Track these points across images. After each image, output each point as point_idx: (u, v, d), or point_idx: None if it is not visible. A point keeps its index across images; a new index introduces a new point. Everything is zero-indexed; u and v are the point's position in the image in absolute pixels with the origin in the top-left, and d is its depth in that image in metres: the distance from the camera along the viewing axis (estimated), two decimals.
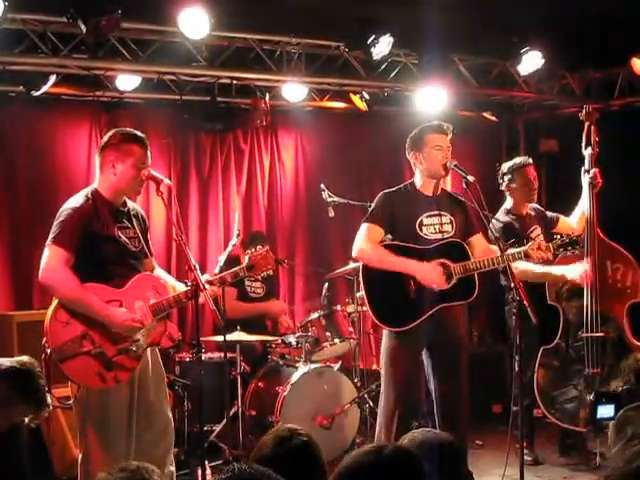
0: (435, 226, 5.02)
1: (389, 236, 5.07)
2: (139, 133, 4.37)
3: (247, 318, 6.70)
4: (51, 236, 4.10)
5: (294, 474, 2.53)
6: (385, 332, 5.07)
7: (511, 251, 4.95)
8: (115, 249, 4.21)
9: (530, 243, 5.03)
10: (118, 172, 4.22)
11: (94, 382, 4.07)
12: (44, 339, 4.06)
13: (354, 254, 5.11)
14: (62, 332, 4.02)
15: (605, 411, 2.53)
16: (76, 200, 4.21)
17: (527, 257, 4.97)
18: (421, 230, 4.99)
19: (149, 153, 4.32)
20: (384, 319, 4.99)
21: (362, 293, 5.11)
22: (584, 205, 5.76)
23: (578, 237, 5.19)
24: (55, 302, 4.08)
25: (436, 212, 5.03)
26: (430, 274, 4.86)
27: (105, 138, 4.33)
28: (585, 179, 5.73)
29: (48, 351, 4.02)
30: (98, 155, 4.32)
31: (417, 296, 4.89)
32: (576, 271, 5.58)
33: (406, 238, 5.00)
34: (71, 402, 4.18)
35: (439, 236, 5.00)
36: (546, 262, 5.33)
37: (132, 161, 4.23)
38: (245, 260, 4.56)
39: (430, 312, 4.87)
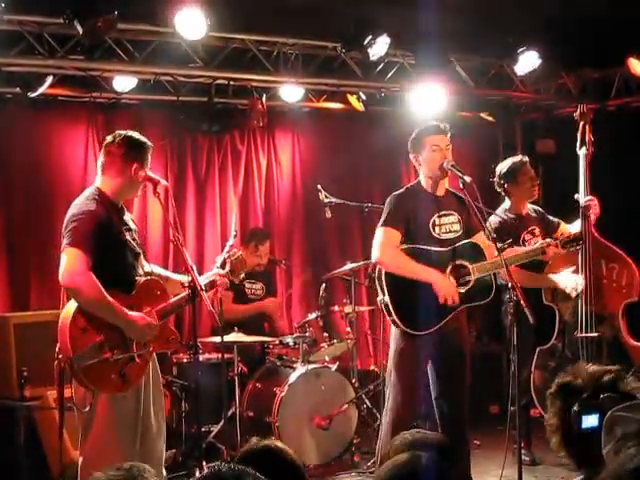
0: (446, 226, 5.06)
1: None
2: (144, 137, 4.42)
3: (244, 319, 6.71)
4: (68, 240, 4.03)
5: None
6: (396, 333, 5.04)
7: (527, 249, 5.00)
8: (126, 253, 4.21)
9: (545, 241, 5.05)
10: (139, 177, 4.24)
11: (110, 389, 4.05)
12: (58, 344, 3.99)
13: (374, 259, 5.07)
14: (81, 339, 3.97)
15: (590, 421, 2.54)
16: (87, 203, 4.15)
17: (544, 254, 5.01)
18: (434, 230, 5.01)
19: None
20: (408, 322, 4.95)
21: (383, 297, 4.99)
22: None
23: (582, 233, 5.20)
24: (72, 307, 4.01)
25: (445, 212, 5.07)
26: (445, 289, 4.87)
27: (117, 140, 4.28)
28: (582, 202, 5.70)
29: (60, 356, 3.97)
30: (109, 158, 4.27)
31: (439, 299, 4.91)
32: (568, 283, 5.58)
33: (420, 239, 5.00)
34: (82, 409, 4.13)
35: (450, 235, 5.04)
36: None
37: (147, 167, 4.30)
38: (227, 266, 4.60)
39: (452, 314, 4.91)
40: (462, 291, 4.94)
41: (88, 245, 4.01)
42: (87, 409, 4.08)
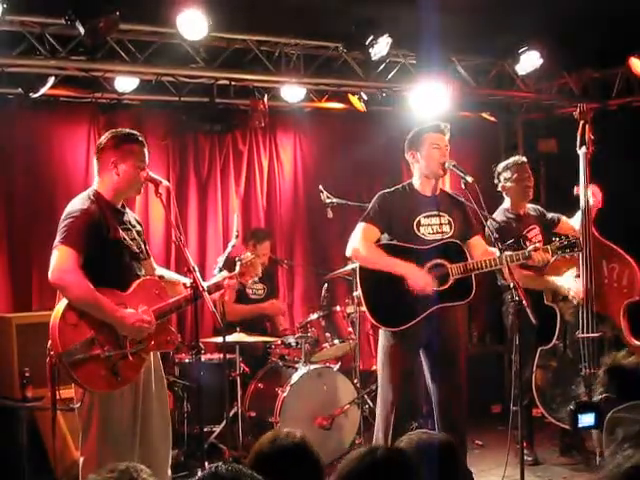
0: (433, 226, 5.01)
1: (385, 235, 5.07)
2: (137, 132, 4.37)
3: (245, 320, 6.72)
4: (60, 237, 4.04)
5: (290, 473, 2.56)
6: (381, 331, 5.05)
7: (510, 253, 4.96)
8: (121, 252, 4.20)
9: (530, 247, 5.04)
10: (120, 172, 4.20)
11: (102, 387, 4.05)
12: (50, 341, 4.00)
13: (348, 253, 5.10)
14: (71, 335, 3.97)
15: (586, 420, 2.56)
16: (81, 202, 4.17)
17: (528, 259, 4.98)
18: (419, 230, 4.98)
19: (147, 151, 4.32)
20: (381, 319, 4.97)
21: (359, 293, 5.08)
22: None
23: (577, 240, 5.20)
24: (63, 304, 4.02)
25: (434, 212, 5.03)
26: (420, 279, 4.84)
27: (103, 139, 4.31)
28: (581, 196, 5.71)
29: (52, 353, 3.96)
30: (97, 157, 4.30)
31: (414, 296, 4.88)
32: (572, 288, 5.60)
33: (403, 238, 4.98)
34: (73, 405, 4.14)
35: (437, 237, 4.99)
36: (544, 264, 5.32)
37: (133, 161, 4.22)
38: (237, 267, 4.58)
39: (426, 313, 4.88)
40: (438, 289, 4.91)
41: (79, 243, 4.03)
42: (78, 405, 4.09)
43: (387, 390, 5.01)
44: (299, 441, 2.64)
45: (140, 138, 4.32)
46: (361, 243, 4.99)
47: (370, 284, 5.01)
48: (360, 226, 5.05)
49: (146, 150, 4.32)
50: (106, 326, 4.05)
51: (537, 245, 5.09)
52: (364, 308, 5.04)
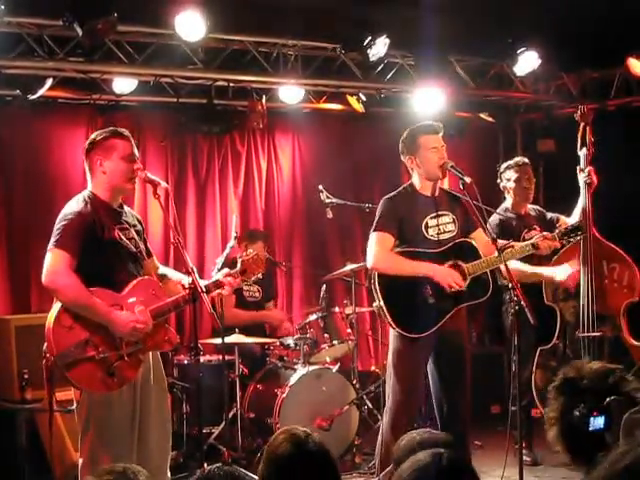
0: (440, 226, 5.00)
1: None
2: (118, 128, 4.36)
3: (246, 325, 6.70)
4: (53, 240, 4.05)
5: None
6: (395, 334, 4.98)
7: (521, 244, 5.04)
8: (117, 253, 4.18)
9: (537, 235, 5.09)
10: (107, 169, 4.19)
11: (98, 388, 4.04)
12: (45, 344, 4.00)
13: (369, 264, 4.99)
14: (66, 337, 3.97)
15: (597, 423, 2.55)
16: (75, 205, 4.17)
17: (537, 249, 5.03)
18: (427, 232, 4.97)
19: (133, 143, 4.30)
20: (405, 326, 4.88)
21: (379, 303, 4.92)
22: (581, 204, 5.79)
23: (580, 222, 5.24)
24: (57, 306, 4.03)
25: (438, 212, 5.03)
26: (447, 276, 4.85)
27: (87, 142, 4.32)
28: (581, 178, 5.75)
29: (48, 355, 3.97)
30: (85, 160, 4.29)
31: (435, 300, 4.88)
32: (565, 273, 5.61)
33: (413, 241, 4.96)
34: (73, 407, 4.15)
35: (445, 236, 5.00)
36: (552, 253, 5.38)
37: (117, 154, 4.20)
38: (238, 265, 4.56)
39: (449, 314, 4.88)
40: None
41: (72, 246, 4.03)
42: (74, 407, 4.09)
43: (397, 391, 4.98)
44: (322, 447, 2.60)
45: (122, 132, 4.30)
46: (380, 253, 4.92)
47: (390, 291, 4.91)
48: (374, 236, 4.98)
49: (131, 143, 4.28)
50: (101, 328, 4.04)
51: (544, 234, 5.13)
52: (387, 316, 4.89)
